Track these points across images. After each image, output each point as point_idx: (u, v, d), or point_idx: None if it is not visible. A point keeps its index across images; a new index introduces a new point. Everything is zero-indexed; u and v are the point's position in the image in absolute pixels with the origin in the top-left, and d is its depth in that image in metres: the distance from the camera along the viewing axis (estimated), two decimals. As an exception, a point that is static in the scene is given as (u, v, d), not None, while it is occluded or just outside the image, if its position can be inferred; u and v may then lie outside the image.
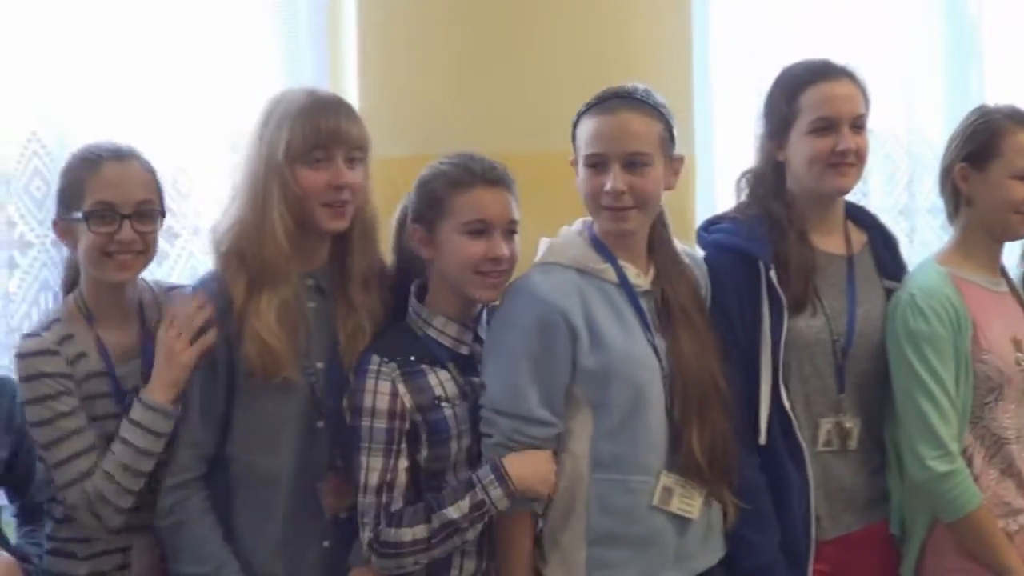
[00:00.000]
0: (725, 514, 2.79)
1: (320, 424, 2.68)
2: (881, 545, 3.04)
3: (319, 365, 2.67)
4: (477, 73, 3.38)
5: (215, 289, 2.65)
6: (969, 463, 2.95)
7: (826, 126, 2.89)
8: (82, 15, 3.29)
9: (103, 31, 3.29)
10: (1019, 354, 3.01)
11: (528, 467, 2.67)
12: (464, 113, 3.34)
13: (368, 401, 2.65)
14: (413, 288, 2.78)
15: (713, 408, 2.74)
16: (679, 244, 2.89)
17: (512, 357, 2.68)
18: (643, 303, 2.76)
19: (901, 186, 3.94)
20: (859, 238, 3.07)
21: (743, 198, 3.03)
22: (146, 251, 2.70)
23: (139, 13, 3.29)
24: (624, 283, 2.74)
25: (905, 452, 2.95)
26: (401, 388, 2.66)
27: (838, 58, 3.10)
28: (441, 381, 2.71)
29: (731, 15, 3.82)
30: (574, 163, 2.76)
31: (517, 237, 2.75)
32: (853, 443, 2.96)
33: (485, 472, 2.65)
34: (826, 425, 2.94)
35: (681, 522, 2.74)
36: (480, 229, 2.70)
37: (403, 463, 2.68)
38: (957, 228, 3.09)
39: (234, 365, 2.63)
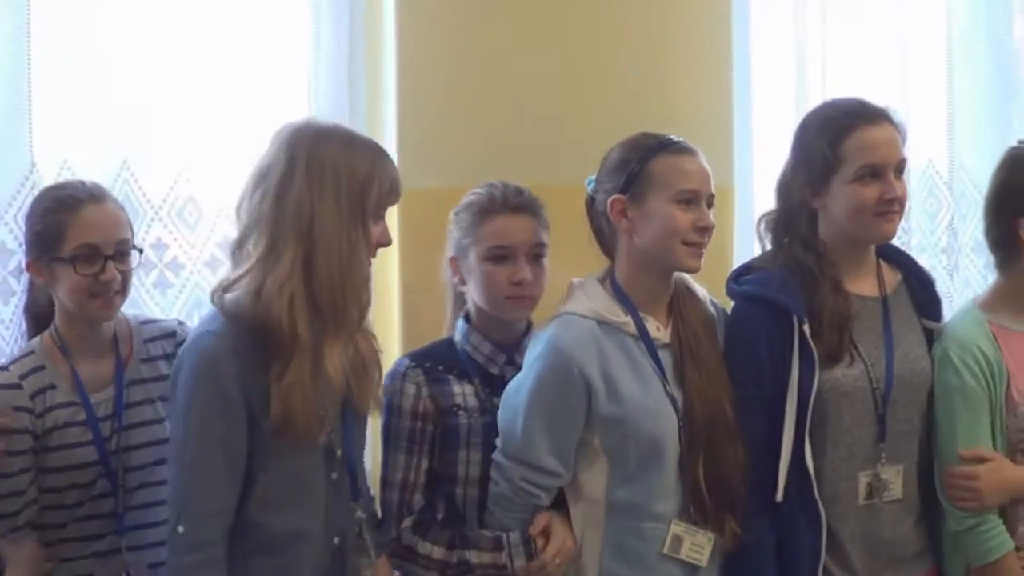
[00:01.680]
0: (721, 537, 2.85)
1: (334, 475, 2.70)
2: None
3: (325, 414, 2.65)
4: (514, 105, 3.47)
5: (235, 338, 2.54)
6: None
7: (872, 173, 2.88)
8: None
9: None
10: None
11: (555, 547, 2.82)
12: (500, 145, 3.44)
13: (396, 400, 2.88)
14: (463, 312, 2.98)
15: (723, 446, 2.83)
16: (702, 291, 2.98)
17: (526, 404, 2.79)
18: (662, 355, 2.85)
19: (943, 224, 3.99)
20: (892, 277, 3.07)
21: (768, 243, 3.05)
22: (125, 288, 2.82)
23: (161, 42, 3.32)
24: (644, 336, 2.84)
25: (943, 502, 2.99)
26: (424, 391, 2.88)
27: (879, 94, 3.15)
28: (464, 392, 2.90)
29: (773, 48, 3.86)
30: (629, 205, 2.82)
31: (546, 260, 2.93)
32: (896, 493, 2.96)
33: (516, 539, 2.82)
34: (865, 478, 2.94)
35: (691, 570, 2.85)
36: (503, 255, 2.88)
37: (424, 464, 2.88)
38: (1009, 276, 3.09)
39: (258, 421, 2.55)
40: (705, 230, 2.82)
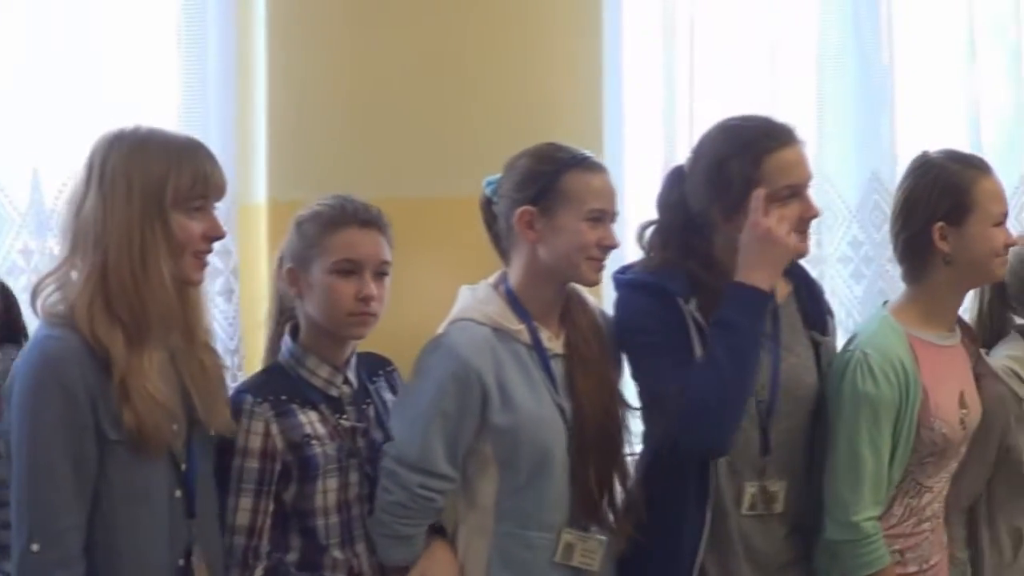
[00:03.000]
0: (613, 540, 2.96)
1: (178, 494, 2.66)
2: None
3: (175, 427, 2.63)
4: (385, 119, 3.52)
5: (77, 345, 2.50)
6: (890, 512, 3.10)
7: (793, 193, 2.95)
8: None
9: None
10: (963, 411, 3.16)
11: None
12: (369, 158, 3.48)
13: (240, 441, 2.80)
14: (288, 327, 2.96)
15: (614, 453, 2.96)
16: (593, 300, 3.08)
17: (424, 411, 2.85)
18: (553, 365, 2.94)
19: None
20: (783, 289, 3.12)
21: (653, 255, 3.09)
22: None
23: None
24: (537, 345, 2.93)
25: (827, 507, 3.06)
26: (274, 428, 2.82)
27: (747, 108, 3.26)
28: (311, 420, 2.87)
29: (644, 66, 3.94)
30: (539, 214, 2.89)
31: (388, 280, 2.94)
32: (779, 506, 3.05)
33: None
34: (751, 489, 3.01)
35: (579, 574, 2.96)
36: (350, 269, 2.88)
37: (271, 506, 2.84)
38: (921, 286, 3.16)
39: (102, 433, 2.51)
40: (609, 248, 2.92)
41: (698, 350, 2.90)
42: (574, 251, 2.88)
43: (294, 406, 2.86)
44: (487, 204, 3.02)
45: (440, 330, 2.94)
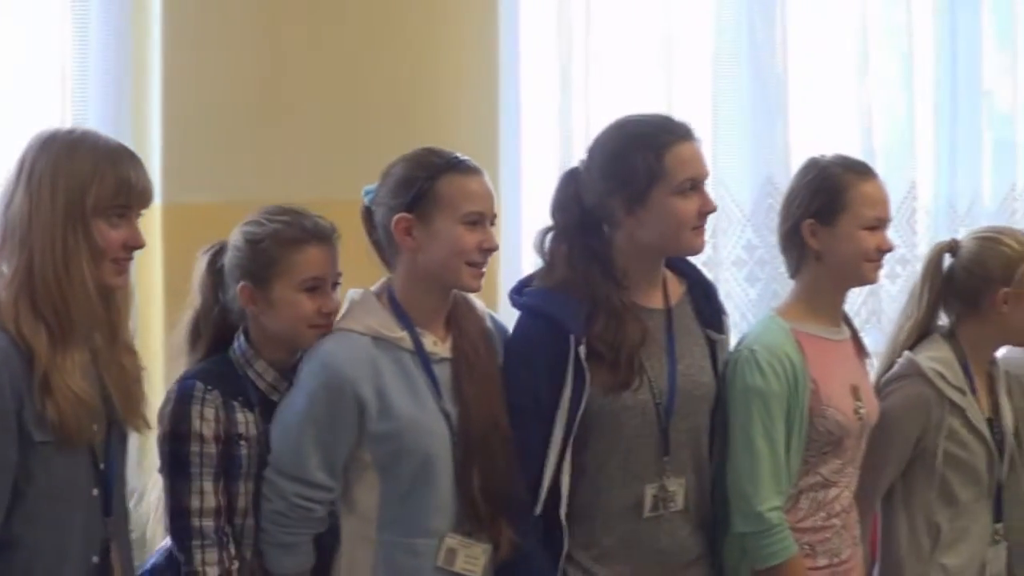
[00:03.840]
0: (497, 547, 2.95)
1: (96, 492, 2.66)
2: None
3: (95, 427, 2.62)
4: (281, 122, 3.55)
5: (4, 345, 2.51)
6: (797, 506, 3.15)
7: (691, 187, 2.98)
8: None
9: None
10: (858, 402, 3.21)
11: None
12: (263, 161, 3.51)
13: (196, 426, 2.82)
14: (242, 326, 2.94)
15: (499, 458, 2.92)
16: (480, 305, 3.06)
17: (298, 421, 2.85)
18: (438, 370, 2.93)
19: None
20: (677, 288, 3.17)
21: (547, 259, 3.09)
22: None
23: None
24: (419, 351, 2.92)
25: (732, 501, 3.11)
26: (221, 415, 2.84)
27: (643, 111, 3.26)
28: (247, 421, 2.88)
29: (540, 72, 3.99)
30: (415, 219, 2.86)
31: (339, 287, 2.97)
32: (677, 505, 3.07)
33: None
34: (651, 491, 3.03)
35: None
36: (315, 287, 2.90)
37: (227, 489, 2.86)
38: (801, 282, 3.26)
39: (26, 435, 2.51)
40: (489, 251, 2.92)
41: (567, 392, 2.94)
42: (453, 256, 2.88)
43: (236, 403, 2.87)
44: (367, 213, 3.01)
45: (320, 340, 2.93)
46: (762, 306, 4.11)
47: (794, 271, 3.28)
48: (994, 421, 3.48)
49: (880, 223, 3.21)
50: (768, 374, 3.09)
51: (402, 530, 2.90)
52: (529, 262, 3.69)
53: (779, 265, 4.02)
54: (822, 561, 3.19)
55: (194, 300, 2.99)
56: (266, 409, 2.92)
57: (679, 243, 3.05)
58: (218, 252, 2.97)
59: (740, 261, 4.17)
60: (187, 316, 3.00)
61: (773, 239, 3.98)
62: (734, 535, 3.15)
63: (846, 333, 3.32)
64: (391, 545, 2.91)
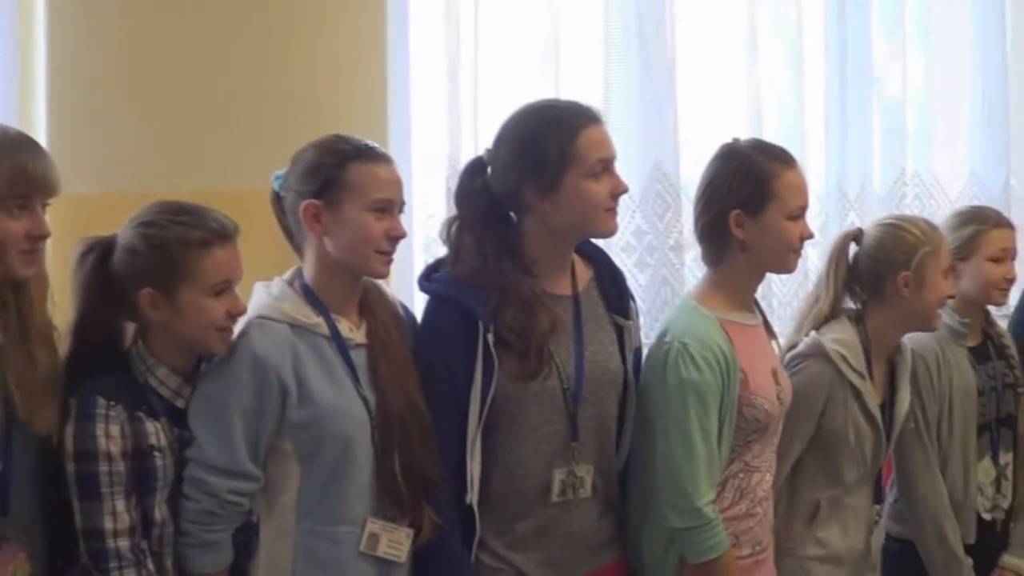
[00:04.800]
0: (419, 532, 3.00)
1: None
2: None
3: None
4: (171, 111, 3.57)
5: None
6: (722, 496, 3.24)
7: (603, 169, 3.06)
8: None
9: None
10: (778, 387, 3.33)
11: None
12: (152, 151, 3.53)
13: (103, 445, 2.76)
14: (136, 329, 2.92)
15: (418, 441, 2.97)
16: (390, 291, 3.14)
17: (225, 413, 2.87)
18: (355, 356, 2.97)
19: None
20: (585, 274, 3.24)
21: (461, 249, 3.12)
22: None
23: None
24: (336, 337, 2.96)
25: (665, 496, 3.17)
26: (128, 430, 2.79)
27: (541, 90, 3.51)
28: (157, 430, 2.84)
29: (429, 61, 4.03)
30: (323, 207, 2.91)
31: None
32: (586, 491, 3.15)
33: None
34: (559, 476, 3.11)
35: (387, 567, 2.99)
36: (223, 289, 2.88)
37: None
38: (721, 270, 3.31)
39: None
40: (397, 239, 2.97)
41: (478, 378, 3.00)
42: (361, 243, 2.92)
43: (141, 414, 2.82)
44: (276, 198, 3.04)
45: (236, 330, 2.94)
46: (652, 291, 4.24)
47: (715, 260, 3.32)
48: (886, 408, 3.62)
49: (803, 211, 3.29)
50: (703, 367, 3.15)
51: (322, 519, 2.94)
52: (419, 251, 3.84)
53: (667, 251, 4.18)
54: (746, 551, 3.29)
55: (78, 302, 2.90)
56: (172, 416, 2.89)
57: (594, 225, 3.11)
58: (103, 253, 2.88)
59: (629, 247, 4.24)
60: (71, 319, 2.90)
61: (661, 225, 4.16)
62: (655, 527, 3.24)
63: (759, 318, 3.42)
64: (311, 535, 2.94)
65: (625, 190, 3.12)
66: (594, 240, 3.31)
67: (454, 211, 3.22)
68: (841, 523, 3.59)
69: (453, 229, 3.16)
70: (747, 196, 3.23)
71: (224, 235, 2.88)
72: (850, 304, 3.69)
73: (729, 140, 3.38)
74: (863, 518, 3.65)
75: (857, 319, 3.63)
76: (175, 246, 2.84)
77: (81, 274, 2.89)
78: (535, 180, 3.05)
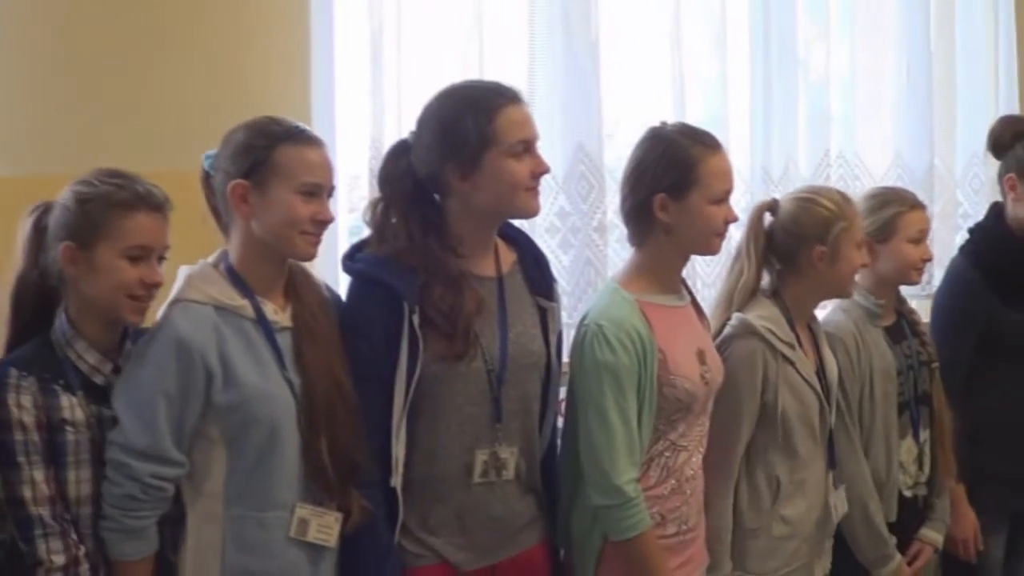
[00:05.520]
0: (348, 516, 3.05)
1: None
2: (533, 570, 3.35)
3: None
4: (92, 91, 3.59)
5: None
6: (647, 475, 3.31)
7: (524, 149, 3.12)
8: None
9: None
10: (704, 367, 3.40)
11: None
12: (79, 132, 3.55)
13: (15, 414, 2.82)
14: (63, 305, 2.95)
15: (345, 425, 3.03)
16: (317, 277, 3.18)
17: (149, 396, 2.89)
18: (280, 339, 3.02)
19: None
20: (509, 257, 3.31)
21: (386, 230, 3.18)
22: None
23: None
24: (261, 320, 3.01)
25: (587, 475, 3.25)
26: (40, 401, 2.84)
27: (465, 71, 3.56)
28: (72, 405, 2.89)
29: (352, 45, 4.04)
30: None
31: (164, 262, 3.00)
32: (510, 473, 3.22)
33: None
34: (482, 456, 3.17)
35: (317, 552, 3.05)
36: (140, 255, 2.92)
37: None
38: (646, 253, 3.38)
39: None
40: (324, 223, 3.02)
41: (403, 359, 3.05)
42: (287, 226, 2.96)
43: (57, 387, 2.87)
44: (206, 178, 3.07)
45: (159, 313, 2.98)
46: (576, 272, 4.29)
47: (639, 241, 3.40)
48: (820, 374, 3.70)
49: (726, 196, 3.37)
50: (617, 348, 3.21)
51: (251, 504, 2.98)
52: (344, 233, 3.86)
53: (591, 232, 4.23)
54: (671, 529, 3.36)
55: (16, 262, 2.97)
56: (90, 392, 2.93)
57: (514, 205, 3.17)
58: (44, 212, 2.95)
59: (553, 228, 4.29)
60: (9, 280, 2.97)
61: (585, 206, 4.20)
62: (583, 507, 3.32)
63: (686, 298, 3.50)
64: (240, 520, 2.98)
65: (546, 170, 3.18)
66: (519, 221, 3.37)
67: (377, 193, 3.25)
68: (803, 496, 3.67)
69: (378, 210, 3.21)
70: (671, 180, 3.30)
71: (150, 202, 2.93)
72: (767, 277, 3.77)
73: (656, 123, 3.45)
74: (821, 486, 3.72)
75: (774, 294, 3.72)
76: (99, 203, 2.90)
77: (23, 232, 2.96)
78: (455, 161, 3.11)
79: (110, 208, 2.90)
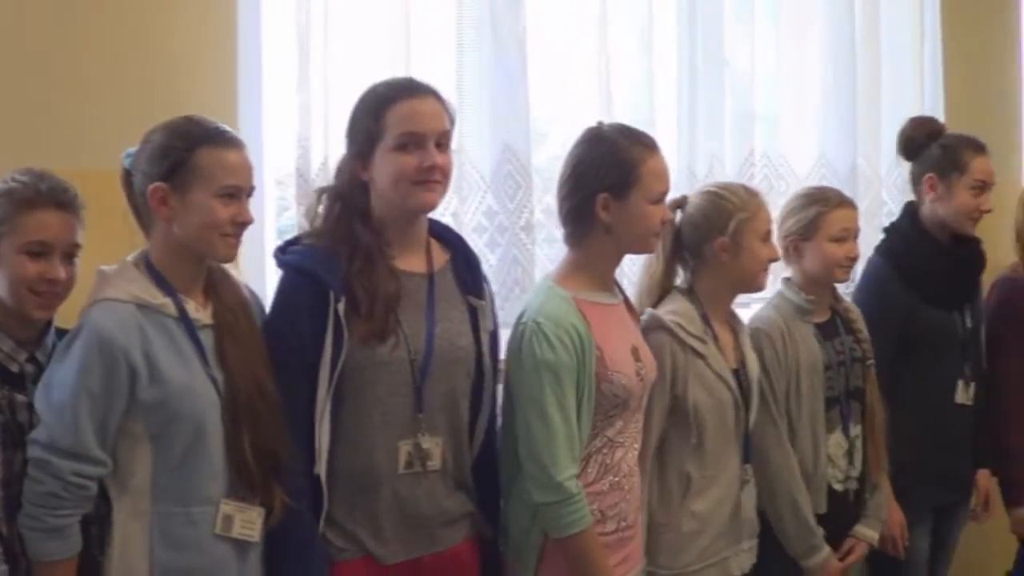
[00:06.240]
0: (270, 512, 3.11)
1: None
2: (460, 566, 3.42)
3: None
4: (15, 90, 3.57)
5: None
6: (585, 471, 3.39)
7: (412, 142, 3.20)
8: None
9: None
10: (639, 363, 3.49)
11: None
12: (3, 131, 3.53)
13: None
14: None
15: (267, 421, 3.10)
16: (236, 276, 3.23)
17: (71, 394, 2.94)
18: (202, 337, 3.08)
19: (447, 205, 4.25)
20: (442, 257, 3.41)
21: (321, 215, 3.30)
22: None
23: None
24: (184, 318, 3.07)
25: (528, 472, 3.34)
26: None
27: (392, 70, 3.58)
28: None
29: (279, 42, 4.05)
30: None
31: (78, 261, 3.07)
32: (435, 463, 3.29)
33: None
34: (406, 447, 3.25)
35: (243, 547, 3.12)
36: (40, 251, 3.00)
37: None
38: (583, 251, 3.49)
39: None
40: (244, 224, 3.08)
41: (328, 348, 3.13)
42: (207, 228, 3.02)
43: None
44: (126, 176, 3.11)
45: (81, 313, 3.02)
46: (503, 271, 4.32)
47: (577, 241, 3.51)
48: (740, 371, 3.79)
49: (664, 196, 3.51)
50: (557, 346, 3.31)
51: (177, 500, 3.03)
52: (271, 230, 3.88)
53: (518, 231, 4.27)
54: (611, 526, 3.46)
55: None
56: (4, 378, 3.00)
57: (405, 199, 3.26)
58: None
59: (481, 227, 4.33)
60: None
61: (512, 205, 4.23)
62: (521, 505, 3.40)
63: (619, 297, 3.56)
64: (167, 516, 3.03)
65: (432, 164, 3.22)
66: (449, 221, 3.56)
67: (304, 192, 3.41)
68: (714, 492, 3.75)
69: (323, 199, 3.34)
70: (613, 180, 3.41)
71: (53, 199, 3.02)
72: (681, 272, 3.87)
73: (593, 124, 3.58)
74: (735, 482, 3.81)
75: (688, 291, 3.80)
76: (3, 199, 3.01)
77: None
78: (354, 153, 3.27)
79: (12, 204, 2.99)
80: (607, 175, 3.41)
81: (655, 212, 3.44)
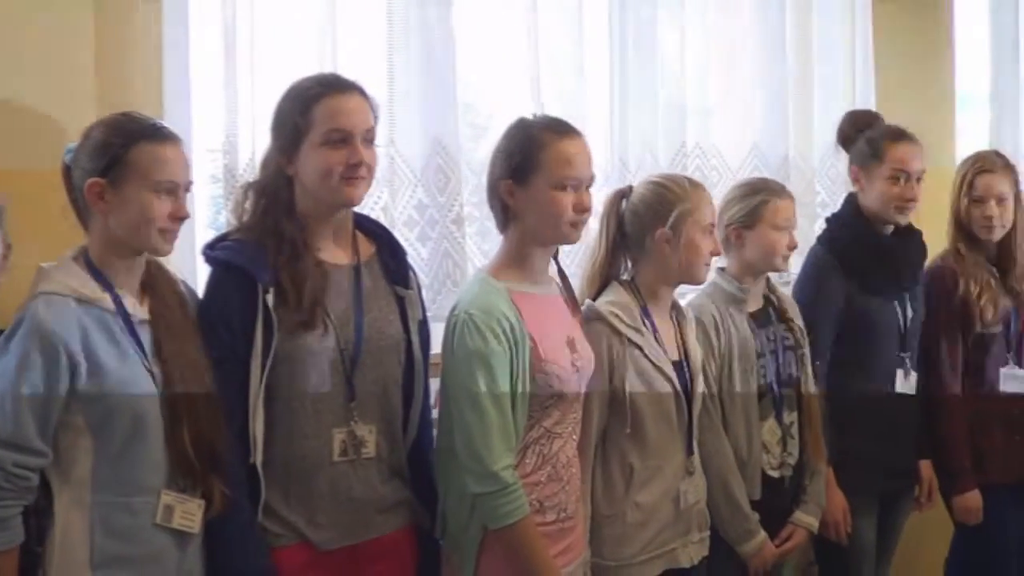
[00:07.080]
0: (210, 504, 3.17)
1: None
2: (397, 553, 3.48)
3: None
4: None
5: None
6: (523, 462, 3.43)
7: (340, 139, 3.26)
8: None
9: None
10: (574, 354, 3.52)
11: None
12: None
13: None
14: None
15: (205, 414, 3.16)
16: (173, 272, 3.29)
17: (12, 387, 2.99)
18: (140, 331, 3.15)
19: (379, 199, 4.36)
20: (368, 249, 3.48)
21: (248, 210, 3.36)
22: None
23: None
24: (121, 312, 3.12)
25: (463, 463, 3.36)
26: None
27: (320, 65, 3.64)
28: None
29: (205, 37, 4.08)
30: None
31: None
32: (370, 451, 3.36)
33: None
34: (339, 435, 3.32)
35: (183, 538, 3.18)
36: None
37: None
38: (508, 240, 3.52)
39: None
40: (180, 219, 3.14)
41: (259, 339, 3.20)
42: (143, 223, 3.09)
43: None
44: (67, 172, 3.16)
45: (20, 308, 3.06)
46: (434, 264, 4.38)
47: (501, 229, 3.55)
48: (682, 363, 3.84)
49: (575, 182, 3.46)
50: (488, 336, 3.34)
51: (118, 490, 3.09)
52: (202, 227, 3.93)
53: (449, 224, 4.32)
54: (551, 516, 3.49)
55: None
56: None
57: (330, 194, 3.32)
58: None
59: (412, 221, 4.38)
60: None
61: (443, 198, 4.29)
62: (459, 497, 3.43)
63: (555, 288, 3.60)
64: (108, 506, 3.08)
65: (358, 161, 3.29)
66: (379, 214, 3.61)
67: (232, 185, 3.47)
68: (658, 483, 3.80)
69: (253, 190, 3.39)
70: (515, 165, 3.45)
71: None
72: (623, 265, 3.91)
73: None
74: (679, 473, 3.85)
75: (629, 282, 3.85)
76: None
77: None
78: (279, 147, 3.33)
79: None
80: (509, 160, 3.45)
81: (561, 198, 3.42)
